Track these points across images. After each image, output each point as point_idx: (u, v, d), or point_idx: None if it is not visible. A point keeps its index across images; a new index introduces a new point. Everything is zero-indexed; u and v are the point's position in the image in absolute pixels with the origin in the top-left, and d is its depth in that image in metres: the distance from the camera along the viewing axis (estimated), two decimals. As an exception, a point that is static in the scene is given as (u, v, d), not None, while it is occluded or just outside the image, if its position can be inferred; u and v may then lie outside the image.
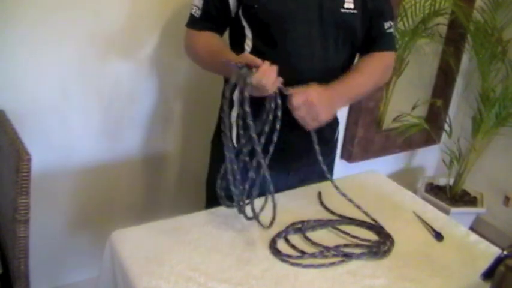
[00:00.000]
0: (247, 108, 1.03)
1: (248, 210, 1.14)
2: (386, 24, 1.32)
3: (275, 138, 1.10)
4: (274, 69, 1.05)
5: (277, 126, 1.09)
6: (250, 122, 1.04)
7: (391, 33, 1.34)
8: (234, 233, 1.13)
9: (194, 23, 1.28)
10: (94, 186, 1.73)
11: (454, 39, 2.44)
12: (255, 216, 1.13)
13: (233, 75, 1.05)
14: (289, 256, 1.07)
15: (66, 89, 1.53)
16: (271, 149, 1.11)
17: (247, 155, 1.12)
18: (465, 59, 2.54)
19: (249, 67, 1.04)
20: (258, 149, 1.06)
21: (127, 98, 1.65)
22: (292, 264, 1.04)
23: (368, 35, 1.32)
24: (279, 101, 1.08)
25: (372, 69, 1.32)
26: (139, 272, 0.98)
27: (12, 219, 1.12)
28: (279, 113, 1.09)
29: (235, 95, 1.32)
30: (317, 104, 1.12)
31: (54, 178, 1.61)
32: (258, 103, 1.07)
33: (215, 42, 1.26)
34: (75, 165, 1.65)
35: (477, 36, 2.25)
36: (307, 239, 1.13)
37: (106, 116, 1.64)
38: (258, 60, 1.04)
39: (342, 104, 1.25)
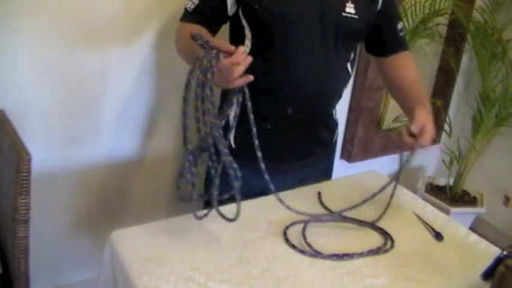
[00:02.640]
0: (208, 92, 0.96)
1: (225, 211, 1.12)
2: (399, 27, 1.35)
3: (254, 130, 1.07)
4: (247, 59, 0.99)
5: (251, 117, 1.06)
6: (209, 105, 0.97)
7: (403, 34, 1.38)
8: (234, 233, 1.13)
9: (186, 16, 1.27)
10: (94, 186, 1.73)
11: (454, 39, 2.44)
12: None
13: (201, 53, 0.96)
14: (289, 256, 1.07)
15: (66, 88, 1.53)
16: (256, 141, 1.08)
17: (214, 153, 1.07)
18: (465, 59, 2.54)
19: (218, 51, 0.96)
20: (223, 148, 1.01)
21: (127, 98, 1.65)
22: (293, 264, 1.04)
23: (382, 39, 1.35)
24: (247, 90, 1.03)
25: (415, 71, 1.39)
26: (139, 272, 0.98)
27: (12, 219, 1.12)
28: (249, 104, 1.04)
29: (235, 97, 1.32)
30: (432, 130, 1.17)
31: (54, 178, 1.61)
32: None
33: (197, 30, 1.18)
34: (75, 165, 1.65)
35: (477, 36, 2.25)
36: (307, 238, 1.13)
37: (106, 116, 1.64)
38: (231, 47, 0.97)
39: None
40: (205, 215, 1.12)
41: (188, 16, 1.26)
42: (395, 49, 1.38)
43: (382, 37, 1.35)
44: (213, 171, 1.09)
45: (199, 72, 0.96)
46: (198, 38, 0.96)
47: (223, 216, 1.12)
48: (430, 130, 1.15)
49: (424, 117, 1.16)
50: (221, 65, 0.96)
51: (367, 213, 1.26)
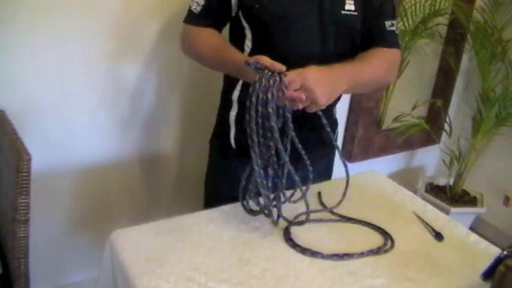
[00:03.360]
0: (270, 109, 1.01)
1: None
2: (388, 23, 1.28)
3: (289, 147, 1.10)
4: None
5: (292, 134, 1.08)
6: (273, 123, 1.02)
7: (393, 31, 1.29)
8: (234, 233, 1.13)
9: (193, 18, 1.27)
10: (94, 186, 1.73)
11: (454, 39, 2.45)
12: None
13: (260, 77, 1.02)
14: (289, 256, 1.07)
15: (65, 88, 1.53)
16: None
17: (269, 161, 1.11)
18: (465, 59, 2.54)
19: (270, 71, 1.02)
20: (286, 156, 1.08)
21: (126, 98, 1.65)
22: (293, 264, 1.04)
23: (369, 34, 1.29)
24: (288, 115, 1.06)
25: (375, 61, 1.26)
26: (139, 272, 0.98)
27: (12, 219, 1.12)
28: (291, 125, 1.06)
29: (234, 95, 1.32)
30: (314, 87, 1.05)
31: (54, 178, 1.61)
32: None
33: (217, 39, 1.25)
34: (75, 165, 1.65)
35: (477, 36, 2.25)
36: (307, 238, 1.13)
37: (105, 116, 1.64)
38: (282, 67, 1.02)
39: (343, 88, 1.16)
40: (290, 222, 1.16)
41: (195, 18, 1.26)
42: (376, 43, 1.28)
43: (367, 31, 1.28)
44: (278, 182, 1.13)
45: (261, 93, 1.01)
46: (253, 65, 1.03)
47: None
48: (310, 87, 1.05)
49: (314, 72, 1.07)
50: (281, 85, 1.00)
51: (367, 213, 1.26)
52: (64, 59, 1.49)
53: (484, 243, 1.19)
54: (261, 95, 1.01)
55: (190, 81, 1.75)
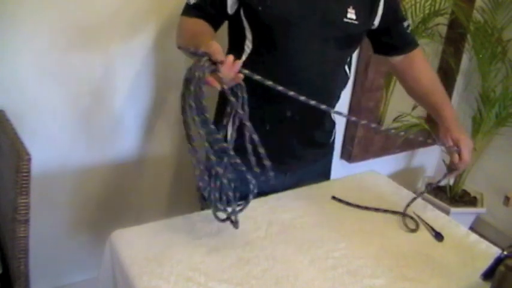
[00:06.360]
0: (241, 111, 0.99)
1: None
2: (405, 24, 1.37)
3: (248, 134, 1.06)
4: (237, 64, 0.97)
5: (247, 109, 1.04)
6: (206, 115, 0.98)
7: (411, 31, 1.41)
8: (234, 233, 1.13)
9: (187, 10, 1.25)
10: (94, 187, 1.73)
11: (454, 39, 2.45)
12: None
13: (194, 63, 0.96)
14: (289, 256, 1.07)
15: (65, 89, 1.53)
16: (248, 146, 1.07)
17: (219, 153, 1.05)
18: (465, 59, 2.54)
19: (211, 60, 0.95)
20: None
21: (126, 99, 1.65)
22: (293, 264, 1.04)
23: (392, 41, 1.38)
24: (245, 95, 1.02)
25: (430, 69, 1.45)
26: (139, 272, 0.98)
27: (12, 219, 1.12)
28: (246, 108, 1.03)
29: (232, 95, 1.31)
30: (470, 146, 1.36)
31: (54, 178, 1.61)
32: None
33: (201, 27, 1.20)
34: (75, 165, 1.65)
35: (477, 36, 2.25)
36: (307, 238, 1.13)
37: (105, 117, 1.64)
38: (221, 57, 0.96)
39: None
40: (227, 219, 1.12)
41: (188, 9, 1.25)
42: (406, 48, 1.40)
43: (391, 39, 1.37)
44: (225, 180, 1.07)
45: (193, 89, 0.96)
46: (184, 48, 0.99)
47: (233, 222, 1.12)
48: (470, 147, 1.35)
49: (465, 140, 1.34)
50: (209, 79, 0.95)
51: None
52: (63, 59, 1.49)
53: (484, 244, 1.19)
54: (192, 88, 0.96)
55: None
